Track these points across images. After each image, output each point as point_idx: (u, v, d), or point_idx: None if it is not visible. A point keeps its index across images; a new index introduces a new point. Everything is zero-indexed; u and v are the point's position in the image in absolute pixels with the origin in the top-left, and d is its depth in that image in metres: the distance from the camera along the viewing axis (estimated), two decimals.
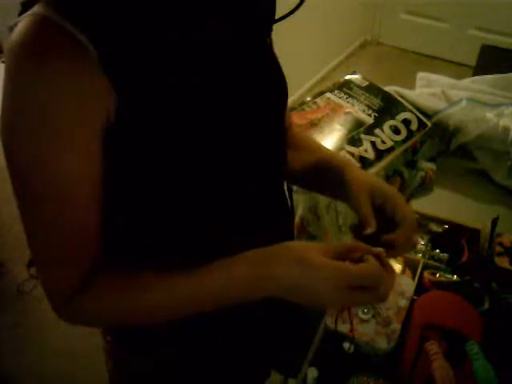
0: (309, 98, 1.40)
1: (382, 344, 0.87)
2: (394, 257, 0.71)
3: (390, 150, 1.28)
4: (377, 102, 1.37)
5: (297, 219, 1.26)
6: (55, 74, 0.51)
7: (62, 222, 0.59)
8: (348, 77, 1.47)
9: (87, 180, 0.58)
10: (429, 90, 1.52)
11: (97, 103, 0.54)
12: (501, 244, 1.05)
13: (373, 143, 1.27)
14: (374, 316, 0.90)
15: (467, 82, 1.56)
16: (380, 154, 1.26)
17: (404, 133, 1.31)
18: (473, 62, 2.09)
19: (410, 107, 1.37)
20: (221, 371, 0.83)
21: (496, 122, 1.32)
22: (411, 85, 1.61)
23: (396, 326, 0.89)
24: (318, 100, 1.39)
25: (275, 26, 0.73)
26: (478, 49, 2.08)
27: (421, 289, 0.98)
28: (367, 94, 1.39)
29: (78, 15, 0.52)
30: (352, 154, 1.24)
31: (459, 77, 1.63)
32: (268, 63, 0.73)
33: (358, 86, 1.42)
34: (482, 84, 1.51)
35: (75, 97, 0.53)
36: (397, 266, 1.03)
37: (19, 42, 0.51)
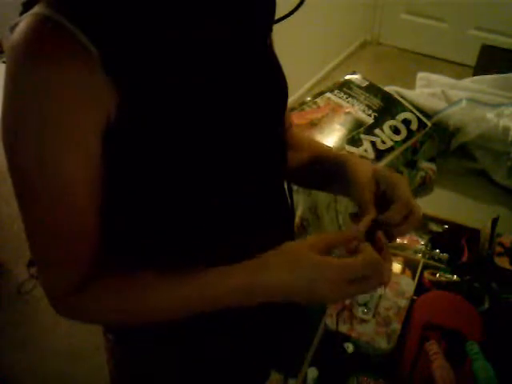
0: (309, 98, 1.40)
1: (382, 344, 0.86)
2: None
3: (390, 150, 1.28)
4: (377, 102, 1.37)
5: (297, 219, 1.26)
6: (56, 74, 0.52)
7: (61, 222, 0.59)
8: (348, 77, 1.47)
9: (87, 180, 0.58)
10: (429, 90, 1.52)
11: (97, 103, 0.54)
12: (501, 244, 1.05)
13: (373, 143, 1.27)
14: (374, 316, 0.90)
15: (467, 81, 1.56)
16: (380, 154, 1.26)
17: (404, 133, 1.31)
18: (473, 62, 2.09)
19: (410, 107, 1.37)
20: (221, 371, 0.83)
21: (496, 122, 1.32)
22: (411, 85, 1.61)
23: (396, 325, 0.89)
24: (318, 100, 1.39)
25: (275, 26, 0.73)
26: (478, 49, 2.08)
27: (421, 289, 0.98)
28: (367, 94, 1.39)
29: (79, 15, 0.52)
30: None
31: (459, 77, 1.63)
32: (268, 63, 0.73)
33: (358, 86, 1.42)
34: (481, 84, 1.51)
35: (76, 97, 0.53)
36: (397, 266, 1.03)
37: (20, 42, 0.51)
